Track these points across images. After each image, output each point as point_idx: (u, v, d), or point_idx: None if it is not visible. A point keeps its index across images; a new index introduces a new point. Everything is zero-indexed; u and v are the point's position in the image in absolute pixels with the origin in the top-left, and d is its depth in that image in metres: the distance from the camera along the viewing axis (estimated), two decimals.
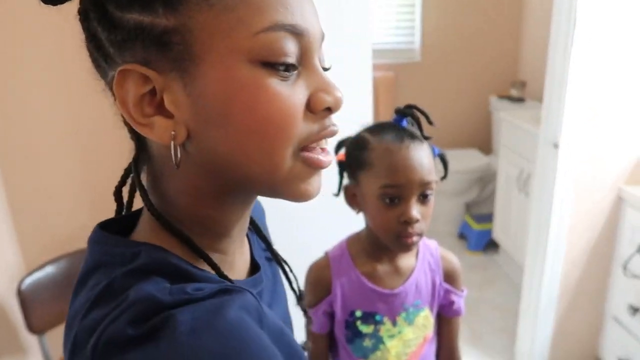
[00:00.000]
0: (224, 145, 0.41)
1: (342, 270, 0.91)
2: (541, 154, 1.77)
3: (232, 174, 0.42)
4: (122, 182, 0.49)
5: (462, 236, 3.02)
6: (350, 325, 0.90)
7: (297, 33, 0.40)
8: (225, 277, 0.45)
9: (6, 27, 1.45)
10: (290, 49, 0.40)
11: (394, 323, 0.89)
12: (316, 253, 0.98)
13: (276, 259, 0.60)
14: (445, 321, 0.96)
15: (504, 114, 2.58)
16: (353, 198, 0.90)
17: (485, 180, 3.06)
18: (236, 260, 0.51)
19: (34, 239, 1.63)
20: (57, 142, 1.59)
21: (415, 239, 0.83)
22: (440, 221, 3.05)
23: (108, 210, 0.50)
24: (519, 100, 2.91)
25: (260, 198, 0.57)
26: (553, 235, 1.77)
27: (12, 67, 1.49)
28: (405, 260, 0.92)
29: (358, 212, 0.90)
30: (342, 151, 0.91)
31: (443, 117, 3.22)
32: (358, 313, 0.90)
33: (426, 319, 0.91)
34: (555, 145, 1.67)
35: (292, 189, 0.43)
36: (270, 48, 0.39)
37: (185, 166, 0.42)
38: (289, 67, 0.40)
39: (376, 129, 0.87)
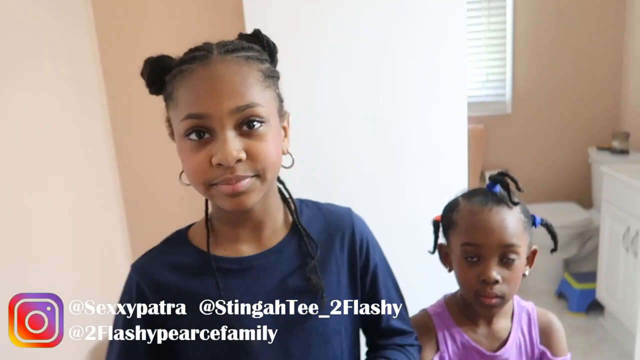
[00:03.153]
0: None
1: (445, 326, 0.93)
2: None
3: None
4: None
5: (561, 295, 2.84)
6: None
7: (200, 117, 0.65)
8: (208, 249, 0.75)
9: None
10: (197, 126, 0.66)
11: None
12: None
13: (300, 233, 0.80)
14: None
15: (606, 167, 2.45)
16: (446, 257, 0.95)
17: (586, 237, 2.88)
18: (242, 243, 0.77)
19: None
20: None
21: (495, 301, 0.85)
22: (537, 279, 2.90)
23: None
24: (622, 152, 2.76)
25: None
26: None
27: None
28: (501, 322, 0.93)
29: (450, 271, 0.95)
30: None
31: (537, 170, 3.13)
32: None
33: None
34: None
35: (220, 204, 0.71)
36: (185, 128, 0.67)
37: None
38: (200, 135, 0.66)
39: (469, 193, 0.93)
